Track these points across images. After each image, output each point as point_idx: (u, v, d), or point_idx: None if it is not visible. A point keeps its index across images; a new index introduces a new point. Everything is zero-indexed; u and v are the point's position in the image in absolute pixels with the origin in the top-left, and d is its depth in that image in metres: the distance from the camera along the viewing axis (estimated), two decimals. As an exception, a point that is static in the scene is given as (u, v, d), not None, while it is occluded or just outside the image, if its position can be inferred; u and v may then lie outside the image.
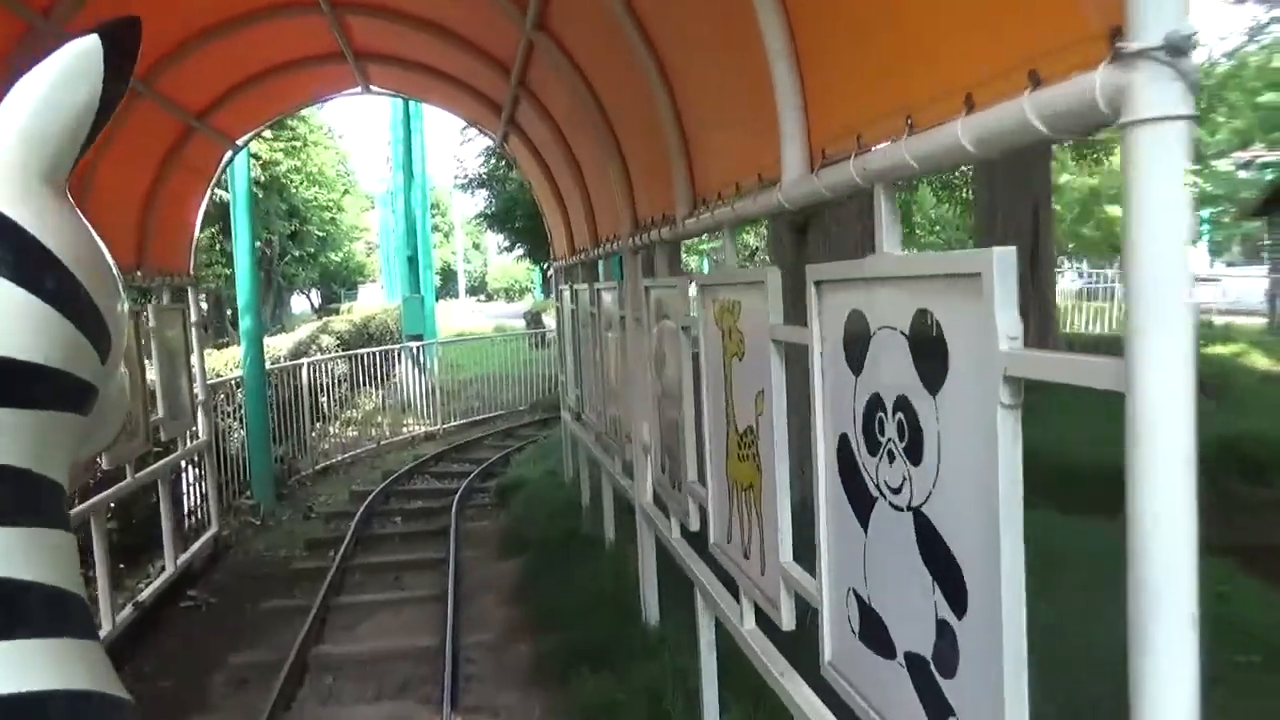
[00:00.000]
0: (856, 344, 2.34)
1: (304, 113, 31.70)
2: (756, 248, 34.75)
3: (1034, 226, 10.73)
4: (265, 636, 6.94)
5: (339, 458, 13.13)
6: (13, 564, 1.13)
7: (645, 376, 5.10)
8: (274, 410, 12.10)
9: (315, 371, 13.03)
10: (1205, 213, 36.75)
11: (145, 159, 7.16)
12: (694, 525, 4.25)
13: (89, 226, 1.34)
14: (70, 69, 1.25)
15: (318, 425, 13.32)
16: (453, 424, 15.57)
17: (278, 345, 14.29)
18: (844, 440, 2.45)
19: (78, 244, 1.28)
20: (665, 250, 4.77)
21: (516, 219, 18.04)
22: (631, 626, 5.44)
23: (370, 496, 10.62)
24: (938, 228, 27.78)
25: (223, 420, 10.60)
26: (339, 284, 56.34)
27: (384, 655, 6.41)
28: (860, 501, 2.37)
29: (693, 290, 4.27)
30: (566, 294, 8.54)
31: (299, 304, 53.95)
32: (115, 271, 1.37)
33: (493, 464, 12.25)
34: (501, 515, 9.70)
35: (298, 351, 14.22)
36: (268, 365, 12.67)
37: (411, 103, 19.20)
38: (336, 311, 37.32)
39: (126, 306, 1.43)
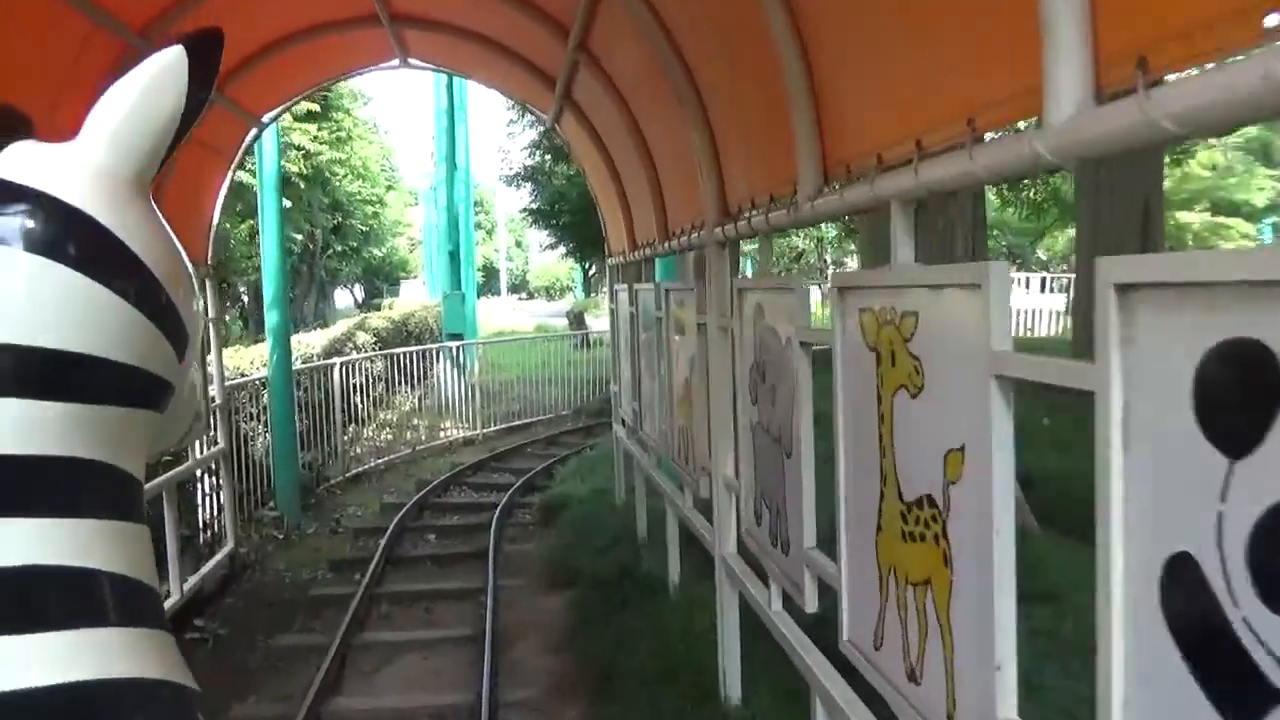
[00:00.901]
0: (1235, 401, 1.27)
1: (348, 105, 31.14)
2: (802, 250, 33.32)
3: (1144, 231, 9.49)
4: (276, 680, 5.99)
5: (372, 464, 12.21)
6: (93, 556, 1.14)
7: (735, 399, 4.04)
8: (303, 413, 11.21)
9: (348, 371, 12.11)
10: (1275, 219, 34.82)
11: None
12: (809, 604, 3.18)
13: (167, 228, 1.38)
14: (157, 79, 1.28)
15: (350, 429, 12.41)
16: (492, 429, 14.60)
17: (310, 342, 13.39)
18: (1184, 565, 1.38)
19: (158, 246, 1.31)
20: (770, 242, 3.70)
21: (562, 215, 17.05)
22: (708, 705, 4.38)
23: (403, 510, 9.66)
24: (995, 231, 26.37)
25: (247, 424, 9.71)
26: (382, 279, 56.09)
27: (408, 714, 5.43)
28: (1230, 681, 1.30)
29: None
30: (623, 295, 7.50)
31: (343, 299, 53.71)
32: (191, 271, 1.41)
33: (535, 475, 11.25)
34: (546, 537, 8.68)
35: (331, 349, 13.32)
36: (299, 364, 11.81)
37: (456, 93, 18.31)
38: (379, 307, 36.72)
39: (201, 305, 1.47)
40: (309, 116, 24.14)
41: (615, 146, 6.68)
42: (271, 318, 9.51)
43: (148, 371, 1.29)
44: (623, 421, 7.99)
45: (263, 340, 19.03)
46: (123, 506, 1.25)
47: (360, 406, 12.83)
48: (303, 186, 23.97)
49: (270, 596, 7.55)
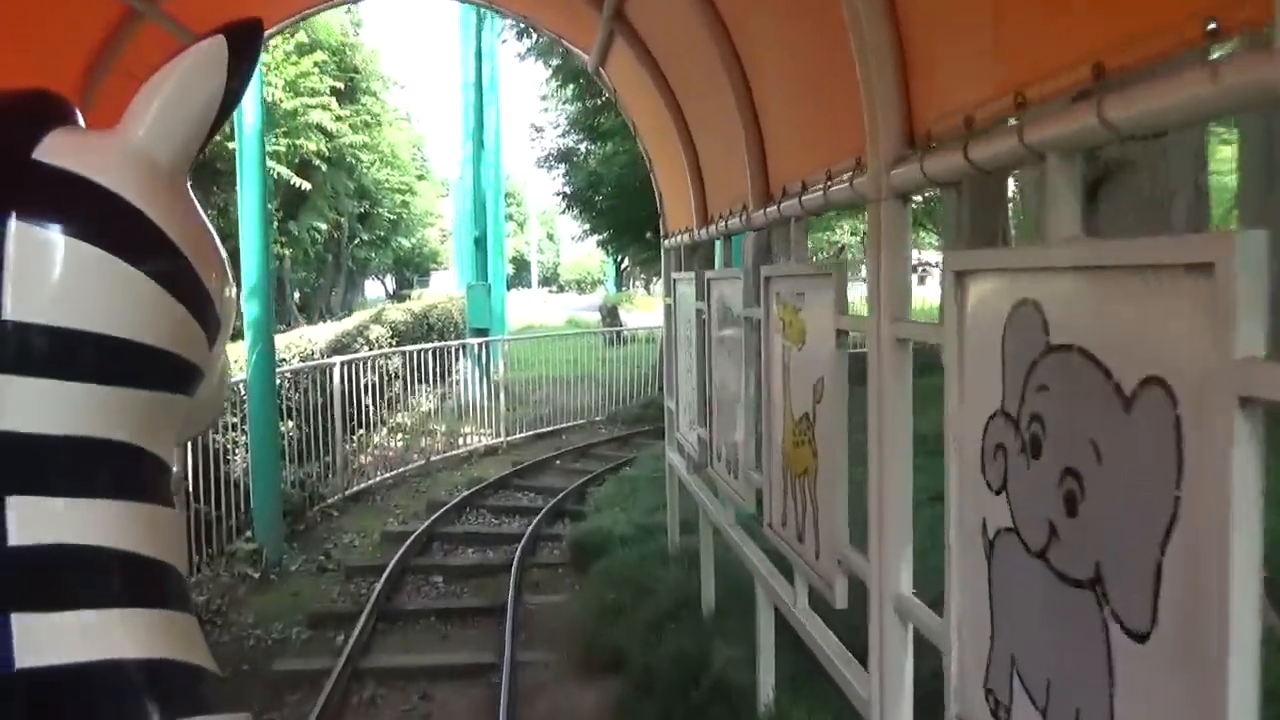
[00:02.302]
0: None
1: (376, 88, 29.46)
2: (843, 245, 31.06)
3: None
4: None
5: (378, 478, 10.41)
6: (122, 537, 1.14)
7: (949, 474, 2.17)
8: (301, 419, 9.49)
9: (352, 372, 10.28)
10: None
11: (61, 57, 4.44)
12: None
13: (203, 214, 1.36)
14: (197, 67, 1.27)
15: (356, 436, 10.65)
16: (518, 436, 12.77)
17: (314, 338, 11.64)
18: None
19: (194, 232, 1.31)
20: (1068, 177, 1.79)
21: (600, 198, 15.18)
22: None
23: (408, 541, 7.87)
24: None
25: (223, 435, 7.98)
26: (412, 270, 54.75)
27: None
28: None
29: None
30: (686, 286, 5.64)
31: (375, 290, 52.40)
32: (225, 258, 1.39)
33: (565, 497, 9.41)
34: (580, 588, 6.87)
35: (337, 346, 11.57)
36: (296, 363, 10.09)
37: (485, 63, 16.48)
38: (409, 298, 35.10)
39: (234, 291, 1.44)
40: (332, 94, 22.43)
41: (685, 81, 4.82)
42: (251, 309, 7.71)
43: (179, 356, 1.25)
44: (683, 451, 6.13)
45: (277, 331, 17.35)
46: (151, 489, 1.22)
47: (367, 412, 11.06)
48: (324, 169, 22.25)
49: (224, 666, 5.75)
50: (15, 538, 1.11)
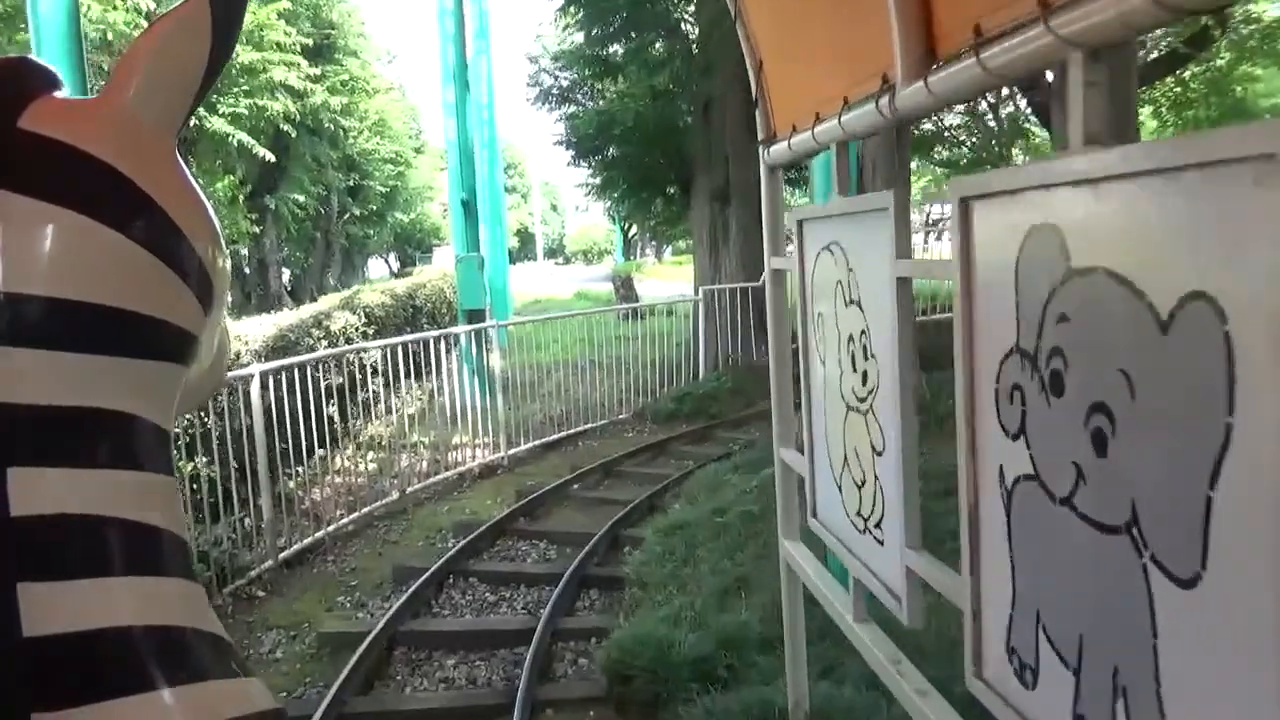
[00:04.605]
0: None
1: (358, 47, 26.24)
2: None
3: None
4: None
5: (333, 525, 7.36)
6: (124, 505, 1.03)
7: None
8: (225, 454, 6.53)
9: (284, 384, 7.14)
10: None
11: None
12: None
13: (192, 179, 1.22)
14: (180, 31, 1.14)
15: (300, 471, 7.63)
16: (523, 447, 9.71)
17: (248, 335, 8.56)
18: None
19: (183, 197, 1.18)
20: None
21: (611, 146, 12.05)
22: None
23: (355, 656, 4.88)
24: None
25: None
26: (414, 246, 51.79)
27: None
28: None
29: None
30: (845, 232, 2.59)
31: (379, 269, 49.52)
32: (216, 224, 1.25)
33: (591, 550, 6.38)
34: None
35: (283, 345, 8.53)
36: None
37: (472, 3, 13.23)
38: (410, 277, 31.94)
39: (229, 263, 1.32)
40: (303, 51, 19.20)
41: None
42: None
43: (173, 324, 1.13)
44: (823, 549, 3.09)
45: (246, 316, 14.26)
46: (152, 458, 1.09)
47: (331, 428, 8.02)
48: (293, 135, 19.07)
49: None
50: (18, 508, 0.95)
